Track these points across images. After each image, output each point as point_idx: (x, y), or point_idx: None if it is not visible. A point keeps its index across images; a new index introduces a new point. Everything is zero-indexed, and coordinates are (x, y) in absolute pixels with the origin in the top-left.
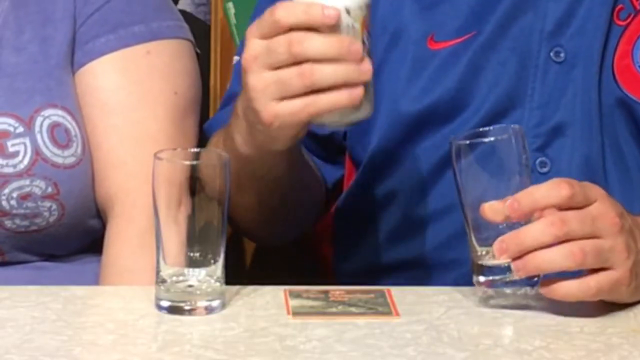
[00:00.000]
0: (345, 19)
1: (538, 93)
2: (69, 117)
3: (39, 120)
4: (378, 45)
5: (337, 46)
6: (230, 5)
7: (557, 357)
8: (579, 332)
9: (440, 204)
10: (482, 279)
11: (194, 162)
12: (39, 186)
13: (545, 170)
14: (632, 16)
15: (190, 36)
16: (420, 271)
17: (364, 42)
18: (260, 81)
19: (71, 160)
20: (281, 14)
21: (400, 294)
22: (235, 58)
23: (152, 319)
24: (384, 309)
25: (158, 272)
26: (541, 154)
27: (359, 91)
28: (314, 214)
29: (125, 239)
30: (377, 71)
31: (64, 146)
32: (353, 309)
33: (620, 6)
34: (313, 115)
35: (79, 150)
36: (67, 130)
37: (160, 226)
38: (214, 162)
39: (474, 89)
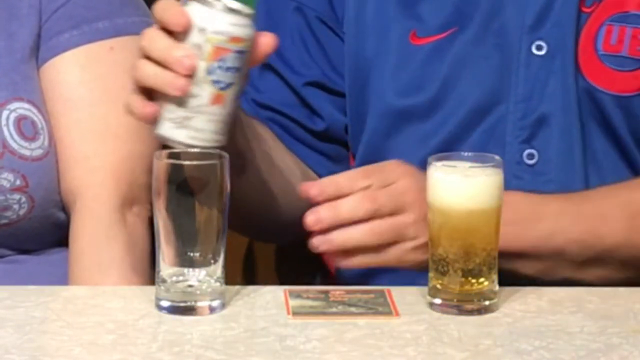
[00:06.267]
0: (196, 36)
1: (521, 87)
2: (35, 110)
3: (5, 113)
4: (368, 45)
5: (167, 52)
6: None
7: (557, 357)
8: (579, 332)
9: None
10: None
11: (194, 162)
12: (7, 179)
13: (532, 162)
14: (596, 4)
15: None
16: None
17: (207, 70)
18: None
19: (39, 152)
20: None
21: (400, 294)
22: None
23: (152, 319)
24: (384, 309)
25: (158, 272)
26: (528, 146)
27: (181, 83)
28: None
29: (90, 233)
30: (367, 69)
31: (31, 139)
32: (353, 309)
33: None
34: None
35: (46, 142)
36: (33, 123)
37: (160, 226)
38: (214, 162)
39: (458, 84)
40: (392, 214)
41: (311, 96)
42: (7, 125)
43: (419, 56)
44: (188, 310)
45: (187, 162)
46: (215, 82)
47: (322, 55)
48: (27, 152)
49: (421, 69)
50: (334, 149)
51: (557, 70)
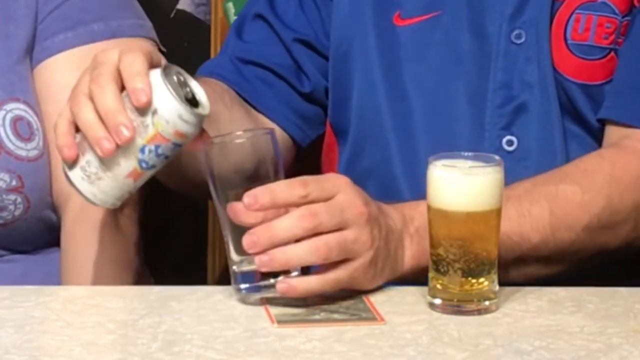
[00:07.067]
0: (148, 117)
1: (500, 74)
2: (30, 111)
3: (1, 114)
4: (347, 21)
5: (112, 114)
6: (230, 5)
7: (557, 357)
8: (579, 332)
9: None
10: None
11: (243, 140)
12: (3, 179)
13: (512, 148)
14: None
15: (153, 35)
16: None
17: (140, 148)
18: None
19: (34, 153)
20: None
21: (400, 294)
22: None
23: (152, 319)
24: (367, 314)
25: (231, 260)
26: (507, 132)
27: (109, 148)
28: None
29: (82, 233)
30: (349, 44)
31: (27, 139)
32: (336, 316)
33: None
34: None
35: (41, 143)
36: (29, 124)
37: (221, 215)
38: (263, 137)
39: (440, 68)
40: (334, 230)
41: (298, 53)
42: (4, 125)
43: (402, 38)
44: (269, 287)
45: (237, 141)
46: (141, 160)
47: (316, 16)
48: (23, 153)
49: (404, 51)
50: (316, 112)
51: (535, 59)
